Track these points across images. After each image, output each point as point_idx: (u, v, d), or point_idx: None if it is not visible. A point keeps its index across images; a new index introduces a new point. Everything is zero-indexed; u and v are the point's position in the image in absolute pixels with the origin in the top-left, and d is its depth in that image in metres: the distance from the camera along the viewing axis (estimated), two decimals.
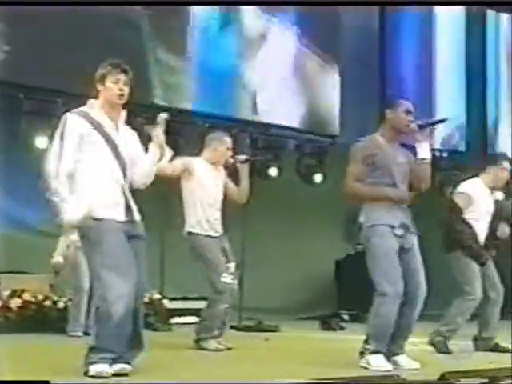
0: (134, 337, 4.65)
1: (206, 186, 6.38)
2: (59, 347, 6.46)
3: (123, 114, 4.75)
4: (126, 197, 4.67)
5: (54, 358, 5.49)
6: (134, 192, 4.81)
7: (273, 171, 10.50)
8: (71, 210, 4.49)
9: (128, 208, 4.68)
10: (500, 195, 6.94)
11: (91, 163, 4.59)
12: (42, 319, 7.79)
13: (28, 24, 8.35)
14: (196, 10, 9.93)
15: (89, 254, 4.71)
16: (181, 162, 6.29)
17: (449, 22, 12.43)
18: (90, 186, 4.58)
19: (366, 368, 5.23)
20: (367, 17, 11.47)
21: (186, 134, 9.30)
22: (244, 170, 6.58)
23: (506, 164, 6.78)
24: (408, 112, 5.50)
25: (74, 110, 4.67)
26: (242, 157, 6.69)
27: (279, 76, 10.63)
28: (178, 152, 5.97)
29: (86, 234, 4.63)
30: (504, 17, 12.93)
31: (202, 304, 6.98)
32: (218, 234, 6.45)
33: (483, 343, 6.70)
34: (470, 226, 6.62)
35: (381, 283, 5.33)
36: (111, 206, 4.60)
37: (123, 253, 4.56)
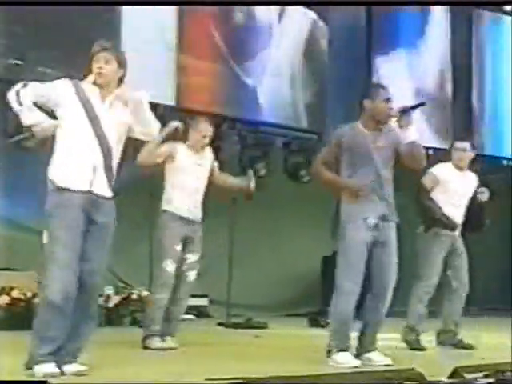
0: (79, 327, 4.59)
1: (187, 168, 6.38)
2: None
3: (118, 91, 4.71)
4: (97, 170, 4.56)
5: None
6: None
7: (260, 168, 10.48)
8: (29, 114, 4.52)
9: (96, 182, 4.57)
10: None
11: (67, 131, 4.58)
12: (31, 316, 7.69)
13: (21, 20, 8.34)
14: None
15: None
16: (165, 147, 6.34)
17: (435, 19, 12.46)
18: (63, 152, 4.57)
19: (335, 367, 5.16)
20: (355, 16, 11.45)
21: None
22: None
23: (466, 145, 6.98)
24: (387, 100, 5.39)
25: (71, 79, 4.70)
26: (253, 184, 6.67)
27: (268, 73, 10.61)
28: None
29: (48, 200, 4.57)
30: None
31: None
32: (192, 218, 6.37)
33: (445, 337, 6.82)
34: (439, 205, 6.74)
35: (341, 281, 5.36)
36: (76, 176, 4.53)
37: (71, 231, 4.46)
